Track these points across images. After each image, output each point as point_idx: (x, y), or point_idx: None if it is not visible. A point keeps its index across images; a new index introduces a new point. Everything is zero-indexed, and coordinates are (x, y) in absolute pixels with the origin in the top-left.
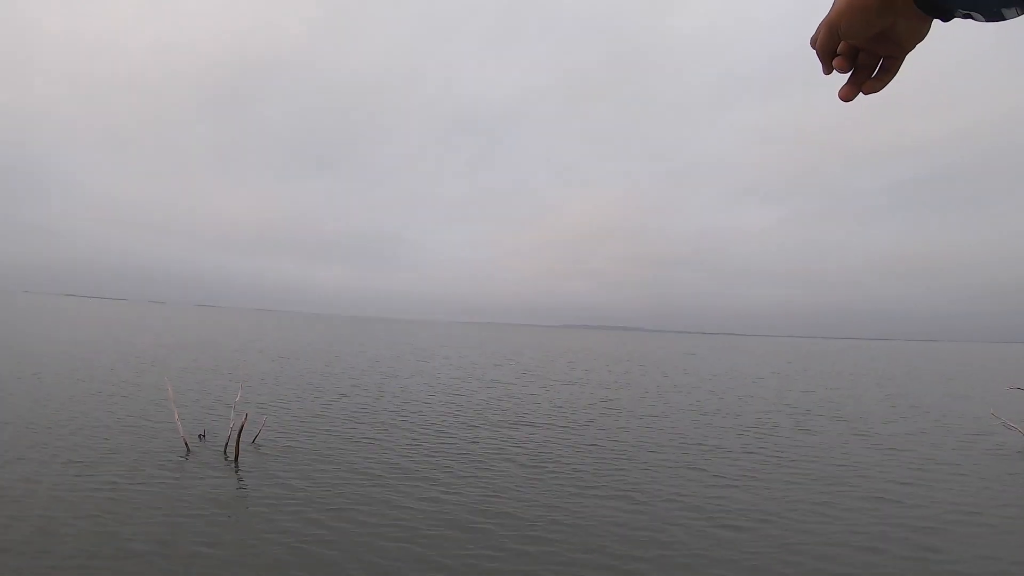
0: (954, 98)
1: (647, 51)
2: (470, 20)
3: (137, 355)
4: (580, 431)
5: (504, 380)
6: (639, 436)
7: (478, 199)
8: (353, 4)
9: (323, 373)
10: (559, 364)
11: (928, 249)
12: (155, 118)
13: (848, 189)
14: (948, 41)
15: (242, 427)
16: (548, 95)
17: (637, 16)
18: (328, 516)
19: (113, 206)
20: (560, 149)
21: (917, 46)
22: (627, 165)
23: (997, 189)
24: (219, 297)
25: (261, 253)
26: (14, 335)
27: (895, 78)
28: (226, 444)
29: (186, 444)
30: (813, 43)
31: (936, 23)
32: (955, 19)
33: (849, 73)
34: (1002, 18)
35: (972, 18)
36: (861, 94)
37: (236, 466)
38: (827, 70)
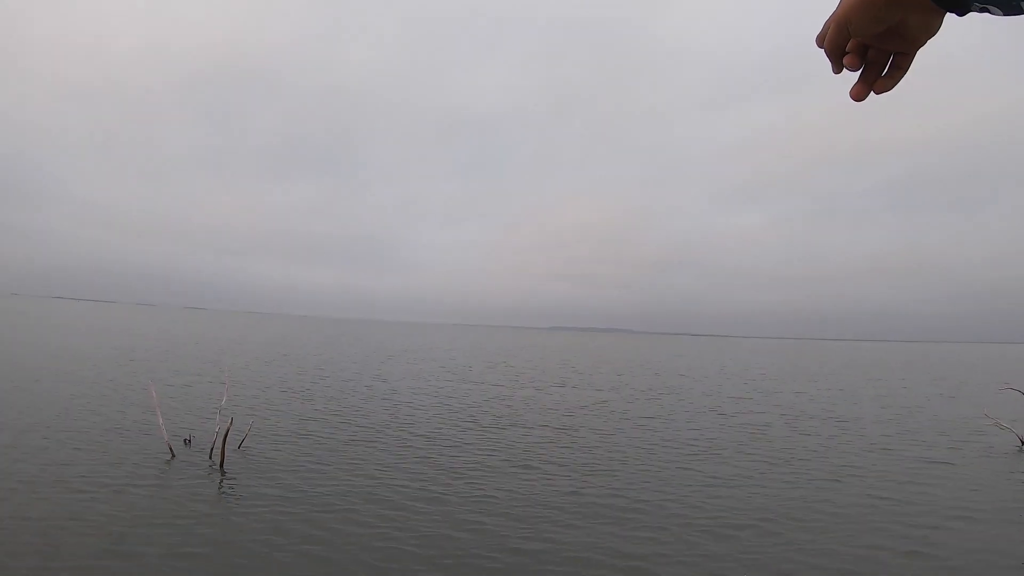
0: (943, 100)
1: (636, 55)
2: (458, 26)
3: (123, 358)
4: (572, 433)
5: (494, 382)
6: (631, 437)
7: (467, 202)
8: (343, 9)
9: (311, 376)
10: (549, 366)
11: (918, 250)
12: (144, 121)
13: (838, 191)
14: (937, 43)
15: (227, 431)
16: (537, 99)
17: (626, 21)
18: (316, 522)
19: (102, 208)
20: (548, 152)
21: (929, 41)
22: (617, 168)
23: (985, 191)
24: (208, 300)
25: (250, 256)
26: (0, 338)
27: (906, 75)
28: (211, 449)
29: (171, 449)
30: (820, 41)
31: (949, 18)
32: (971, 13)
33: (859, 71)
34: (1020, 11)
35: (989, 11)
36: (873, 93)
37: (222, 471)
38: (837, 69)
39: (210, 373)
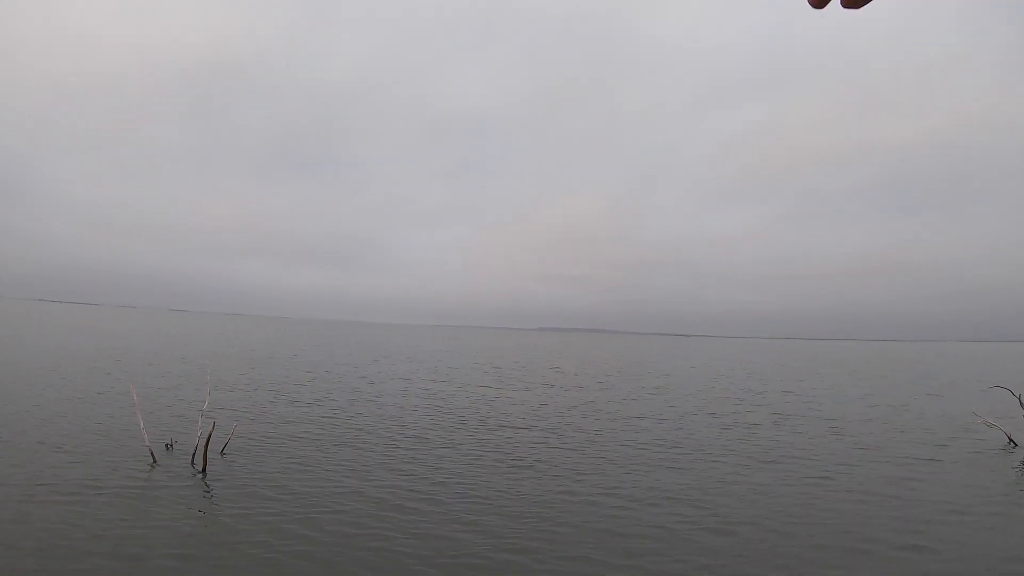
0: (927, 101)
1: (623, 58)
2: (446, 27)
3: (105, 360)
4: (560, 433)
5: (482, 383)
6: (620, 438)
7: (454, 203)
8: (331, 9)
9: (296, 378)
10: (537, 366)
11: (902, 250)
12: (130, 120)
13: (822, 191)
14: (921, 43)
15: (210, 435)
16: (524, 100)
17: (613, 23)
18: (301, 526)
19: (86, 209)
20: (535, 153)
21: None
22: (603, 169)
23: (969, 191)
24: (192, 301)
25: (235, 257)
26: None
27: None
28: (194, 453)
29: (152, 454)
30: None
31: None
32: None
33: None
34: None
35: None
36: (840, 6)
37: (204, 476)
38: None
39: (194, 376)
